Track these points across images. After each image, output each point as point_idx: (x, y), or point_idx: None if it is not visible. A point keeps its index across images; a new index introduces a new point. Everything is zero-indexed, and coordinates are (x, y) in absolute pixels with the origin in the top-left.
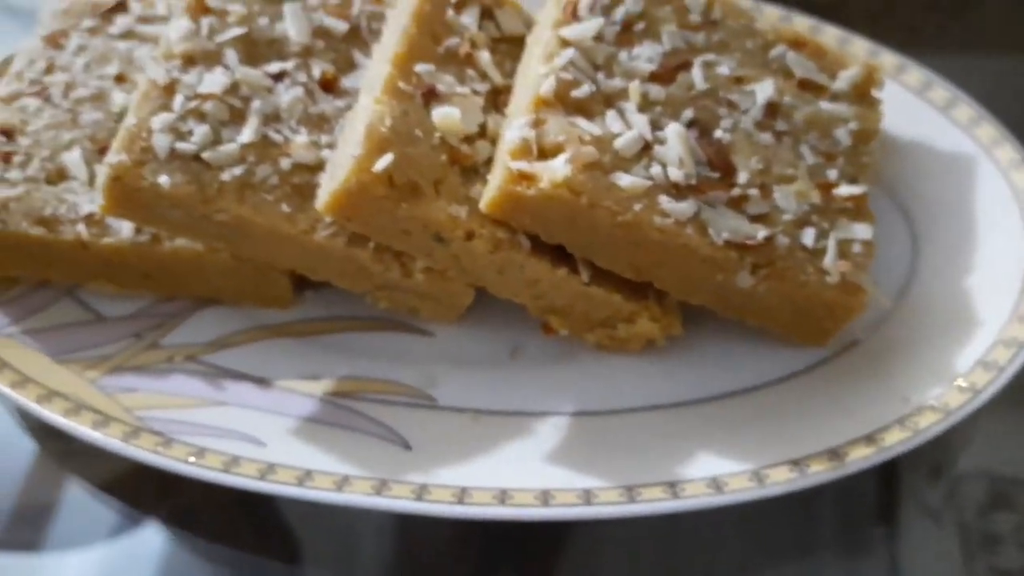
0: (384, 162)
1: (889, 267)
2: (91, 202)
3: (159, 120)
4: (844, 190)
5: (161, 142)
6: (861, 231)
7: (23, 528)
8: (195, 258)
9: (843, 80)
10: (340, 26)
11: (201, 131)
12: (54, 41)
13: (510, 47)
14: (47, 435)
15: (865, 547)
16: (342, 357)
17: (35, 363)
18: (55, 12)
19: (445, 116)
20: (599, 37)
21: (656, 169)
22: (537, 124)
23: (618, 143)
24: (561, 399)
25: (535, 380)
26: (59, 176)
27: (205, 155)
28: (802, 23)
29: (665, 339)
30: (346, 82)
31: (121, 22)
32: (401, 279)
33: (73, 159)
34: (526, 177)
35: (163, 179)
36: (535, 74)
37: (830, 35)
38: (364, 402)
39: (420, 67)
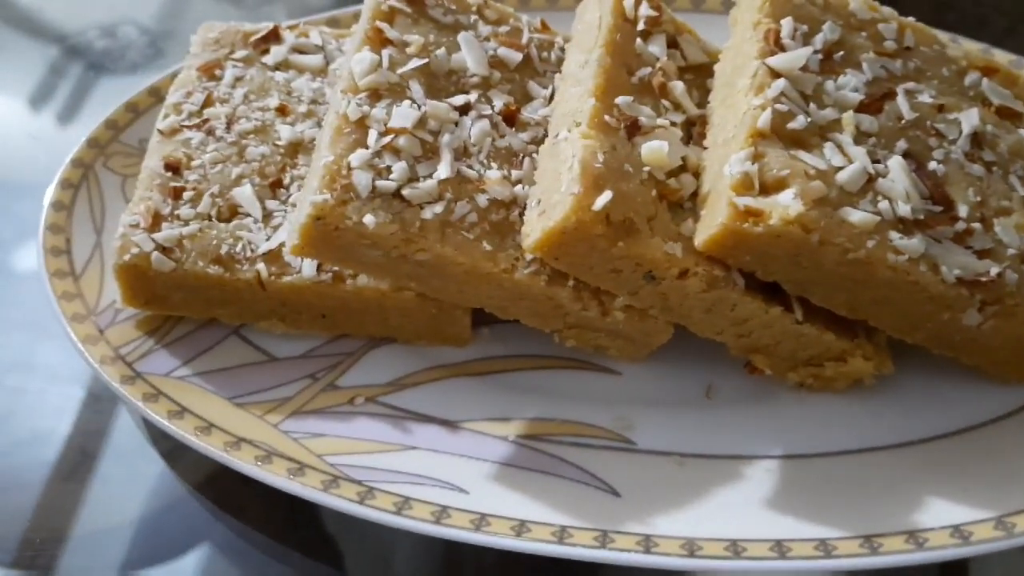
0: (603, 200)
1: None
2: (267, 239)
3: (357, 157)
4: None
5: (362, 179)
6: None
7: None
8: (378, 297)
9: None
10: (514, 56)
11: (399, 167)
12: (209, 72)
13: (695, 76)
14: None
15: None
16: (528, 397)
17: (214, 407)
18: (205, 41)
19: (653, 150)
20: (805, 67)
21: (883, 204)
22: (757, 158)
23: (841, 177)
24: (768, 441)
25: (736, 421)
26: (231, 213)
27: (405, 192)
28: (972, 46)
29: (874, 378)
30: (526, 113)
31: (276, 52)
32: (598, 318)
33: (245, 195)
34: (752, 213)
35: (368, 218)
36: (746, 106)
37: (1002, 58)
38: (560, 445)
39: (620, 99)
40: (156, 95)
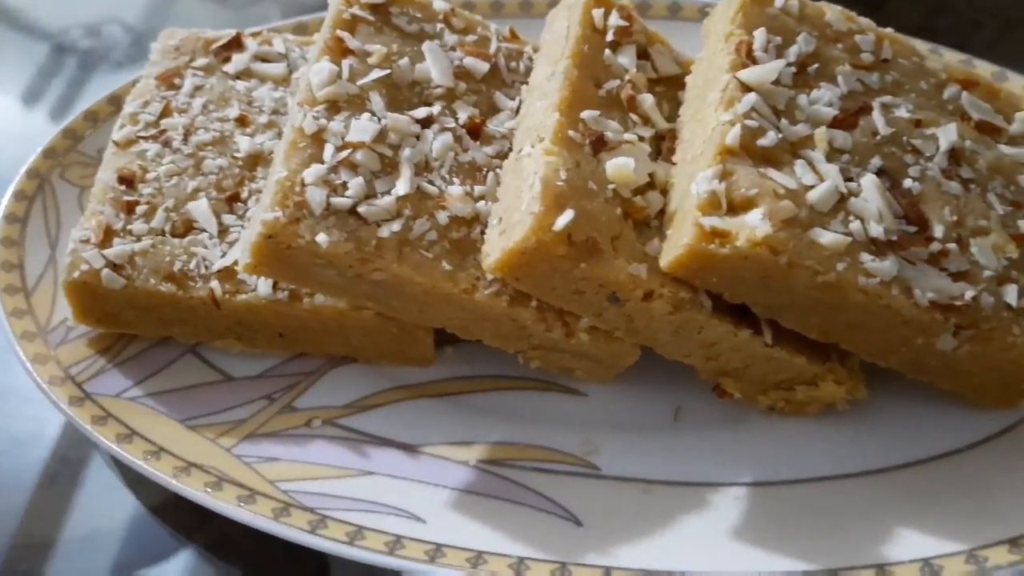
0: (565, 219)
1: None
2: (222, 256)
3: (312, 172)
4: None
5: (316, 196)
6: None
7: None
8: (336, 316)
9: (1020, 122)
10: (481, 66)
11: (356, 183)
12: (168, 81)
13: (666, 88)
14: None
15: None
16: (491, 420)
17: (165, 430)
18: (165, 49)
19: (619, 168)
20: (777, 80)
21: (855, 224)
22: (725, 176)
23: (812, 196)
24: (736, 467)
25: (704, 446)
26: (186, 228)
27: (361, 209)
28: (953, 57)
29: (847, 403)
30: (491, 125)
31: (237, 60)
32: (563, 339)
33: (200, 210)
34: (719, 234)
35: (321, 237)
36: (715, 121)
37: (984, 70)
38: (522, 471)
39: (586, 113)
40: (116, 103)
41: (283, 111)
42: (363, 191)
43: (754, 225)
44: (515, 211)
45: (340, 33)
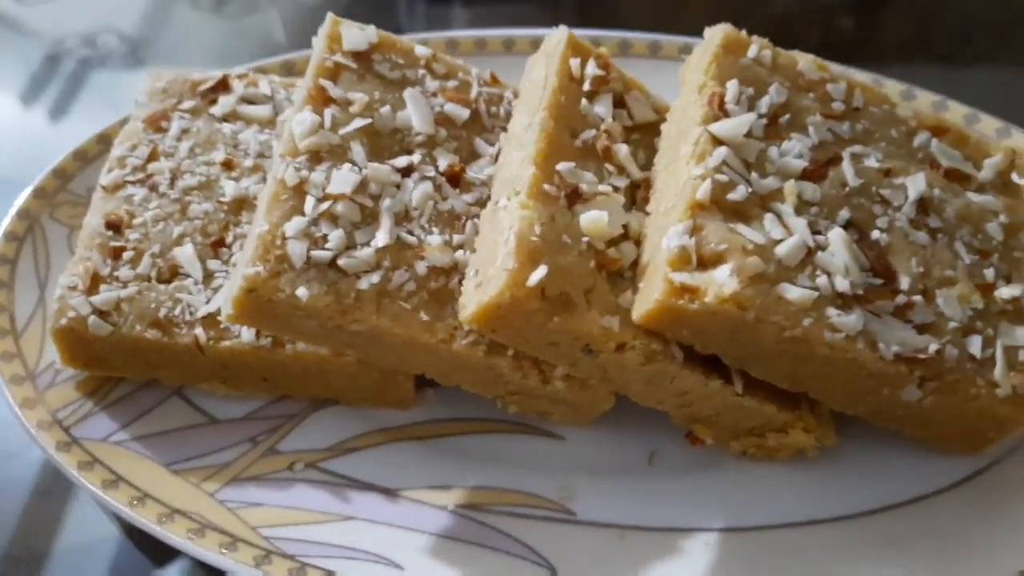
0: (538, 275)
1: None
2: (207, 302)
3: (293, 225)
4: (1005, 291)
5: (296, 250)
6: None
7: None
8: (318, 362)
9: (988, 169)
10: (461, 113)
11: (336, 235)
12: (154, 124)
13: (643, 135)
14: None
15: None
16: (470, 464)
17: (150, 475)
18: (153, 91)
19: (592, 221)
20: (748, 133)
21: (822, 279)
22: (695, 231)
23: (780, 251)
24: (709, 513)
25: (679, 491)
26: (172, 274)
27: (341, 262)
28: (927, 99)
29: (817, 449)
30: (471, 172)
31: (224, 102)
32: (539, 386)
33: (186, 255)
34: (688, 290)
35: (301, 291)
36: (687, 175)
37: (956, 113)
38: (499, 516)
39: (562, 166)
40: (105, 142)
41: (268, 154)
42: (343, 243)
43: (722, 282)
44: (491, 265)
45: (322, 82)
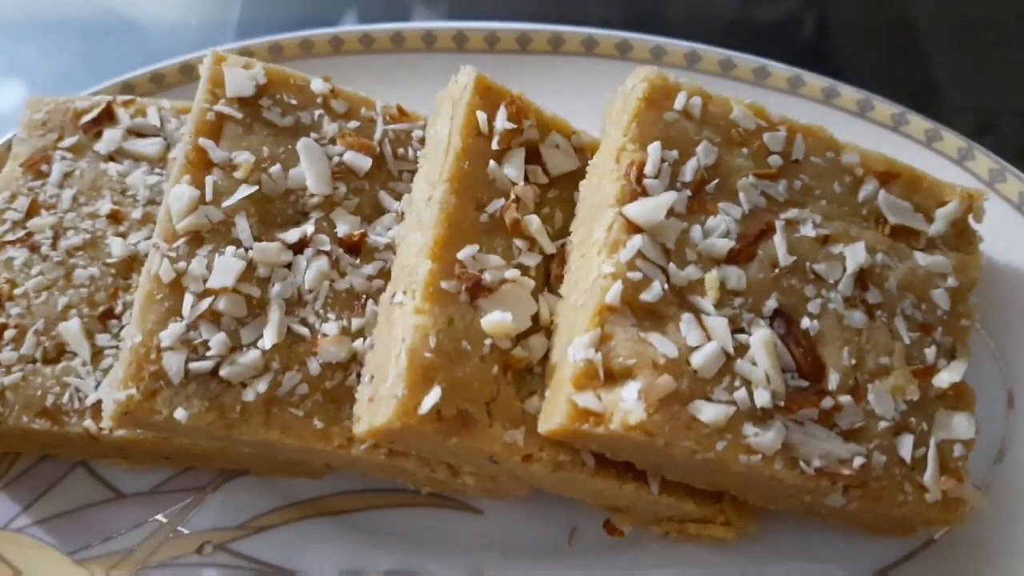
0: (431, 400)
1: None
2: (96, 386)
3: (169, 334)
4: (944, 377)
5: (173, 363)
6: (961, 427)
7: None
8: (219, 449)
9: (940, 220)
10: (363, 163)
11: (217, 340)
12: (34, 168)
13: (561, 190)
14: None
15: None
16: (383, 543)
17: (52, 566)
18: (31, 124)
19: (495, 324)
20: (669, 210)
21: (740, 393)
22: (603, 340)
23: (696, 361)
24: None
25: None
26: (58, 352)
27: (224, 372)
28: (885, 110)
29: (739, 538)
30: (374, 236)
31: (108, 137)
32: (448, 479)
33: (71, 332)
34: (593, 415)
35: (179, 413)
36: (598, 271)
37: (917, 127)
38: None
39: (464, 252)
40: None
41: (158, 200)
42: (226, 347)
43: (628, 408)
44: (382, 382)
45: (202, 143)
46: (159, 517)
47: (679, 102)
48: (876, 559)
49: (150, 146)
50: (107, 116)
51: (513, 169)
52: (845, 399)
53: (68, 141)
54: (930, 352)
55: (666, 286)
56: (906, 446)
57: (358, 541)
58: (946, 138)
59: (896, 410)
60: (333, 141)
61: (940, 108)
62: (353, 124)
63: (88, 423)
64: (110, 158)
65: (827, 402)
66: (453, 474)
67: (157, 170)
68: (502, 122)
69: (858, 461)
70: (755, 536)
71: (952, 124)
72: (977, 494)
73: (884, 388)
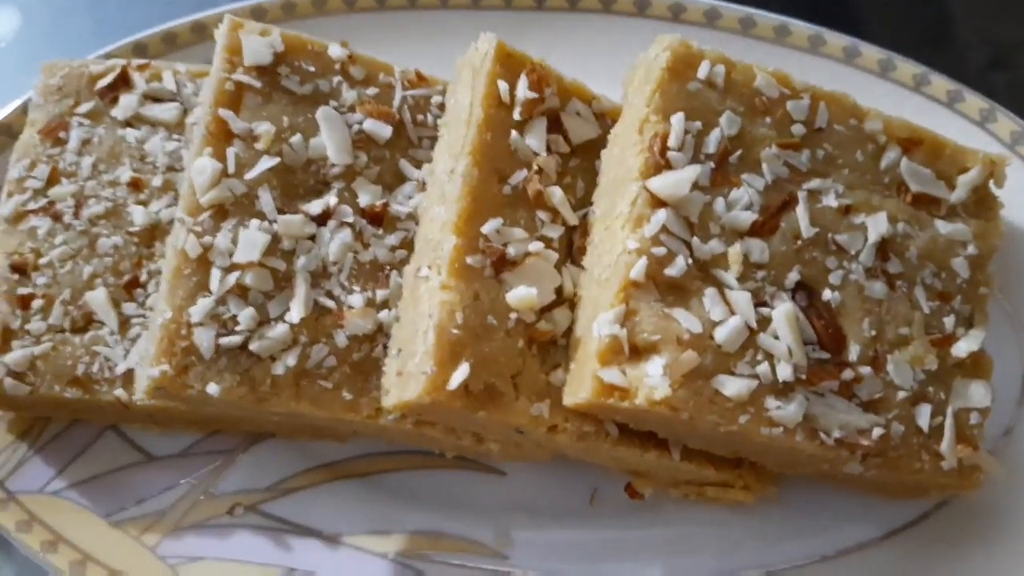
0: (460, 377)
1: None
2: (126, 355)
3: (198, 309)
4: (962, 347)
5: (204, 340)
6: (978, 395)
7: None
8: (248, 416)
9: (962, 187)
10: (383, 131)
11: (246, 315)
12: (52, 135)
13: (583, 158)
14: None
15: None
16: (410, 504)
17: (89, 529)
18: (47, 89)
19: (521, 298)
20: (694, 183)
21: (762, 367)
22: (628, 316)
23: (719, 336)
24: (647, 563)
25: (615, 540)
26: (86, 322)
27: (253, 346)
28: (907, 71)
29: (758, 501)
30: (395, 205)
31: (125, 102)
32: (473, 446)
33: (98, 301)
34: (618, 389)
35: (212, 388)
36: (623, 246)
37: (939, 87)
38: (436, 564)
39: (488, 226)
40: (7, 133)
41: (178, 167)
42: (254, 321)
43: (654, 383)
44: (410, 357)
45: (222, 113)
46: (190, 479)
47: (702, 71)
48: (890, 520)
49: (167, 111)
50: (123, 81)
51: (535, 139)
52: (865, 370)
53: (85, 107)
54: (948, 321)
55: (690, 260)
56: (924, 415)
57: (385, 502)
58: (968, 99)
59: (914, 380)
60: (352, 109)
61: (954, 41)
62: (372, 91)
63: (119, 392)
64: (127, 124)
65: (847, 374)
66: (478, 441)
67: (175, 136)
68: (524, 91)
69: (877, 432)
70: (773, 499)
71: (965, 57)
72: (992, 461)
73: (903, 358)
